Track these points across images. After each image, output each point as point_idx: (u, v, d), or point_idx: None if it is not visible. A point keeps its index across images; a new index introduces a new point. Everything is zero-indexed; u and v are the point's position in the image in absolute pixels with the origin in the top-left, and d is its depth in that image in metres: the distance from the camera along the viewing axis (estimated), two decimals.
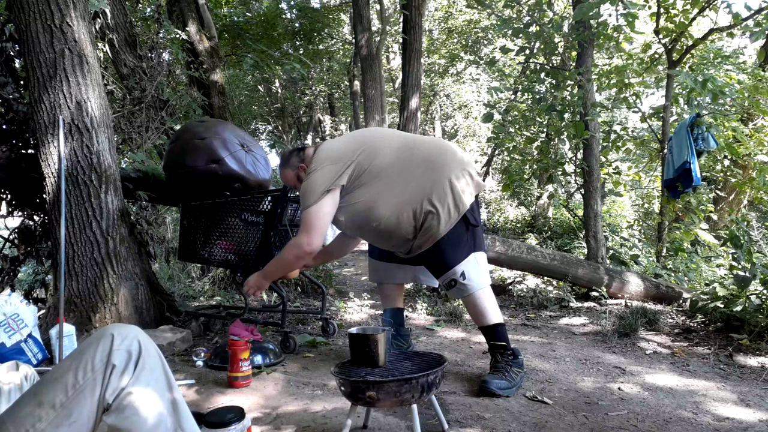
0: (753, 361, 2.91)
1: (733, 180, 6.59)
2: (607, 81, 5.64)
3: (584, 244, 5.55)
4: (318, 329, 3.66)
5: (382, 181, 2.42)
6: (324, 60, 13.91)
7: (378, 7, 12.02)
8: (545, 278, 5.06)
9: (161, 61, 5.23)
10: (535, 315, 4.18)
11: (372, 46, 9.08)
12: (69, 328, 2.75)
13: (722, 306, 3.50)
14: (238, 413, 1.61)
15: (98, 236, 3.14)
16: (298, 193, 3.12)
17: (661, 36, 5.46)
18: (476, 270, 2.46)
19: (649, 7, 5.45)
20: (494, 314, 2.49)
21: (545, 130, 6.03)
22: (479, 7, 6.54)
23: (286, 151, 2.82)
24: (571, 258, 4.63)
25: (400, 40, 9.64)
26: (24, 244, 3.81)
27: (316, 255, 2.84)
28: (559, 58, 5.60)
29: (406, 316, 3.91)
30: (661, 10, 5.37)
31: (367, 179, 2.42)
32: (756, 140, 6.19)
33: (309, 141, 17.23)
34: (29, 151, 3.62)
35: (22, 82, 3.71)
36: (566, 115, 5.19)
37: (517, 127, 6.11)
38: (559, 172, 6.02)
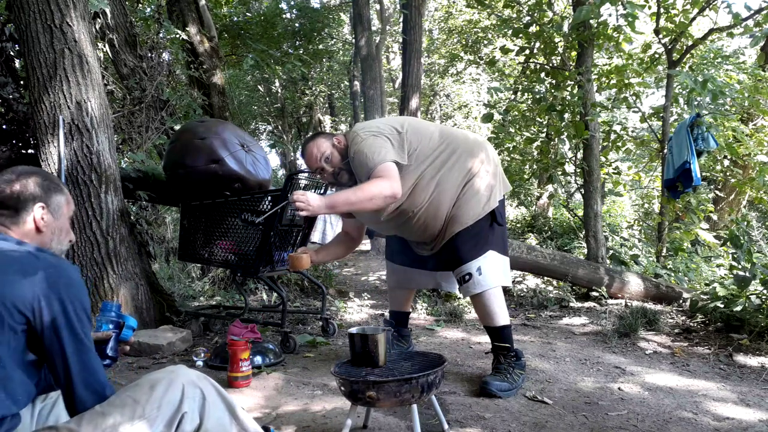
0: (753, 361, 2.91)
1: (733, 180, 6.59)
2: (607, 81, 5.63)
3: (584, 244, 5.54)
4: (318, 329, 3.66)
5: (427, 166, 2.42)
6: (324, 60, 13.90)
7: (378, 7, 12.01)
8: (545, 278, 5.06)
9: (161, 61, 5.23)
10: (535, 315, 4.18)
11: (372, 46, 9.07)
12: None
13: (722, 306, 3.50)
14: None
15: (98, 236, 3.14)
16: (303, 182, 3.07)
17: (661, 36, 5.45)
18: (492, 267, 2.46)
19: (649, 7, 5.44)
20: (502, 316, 2.48)
21: (545, 130, 6.03)
22: (479, 7, 6.54)
23: (311, 134, 2.73)
24: (571, 258, 4.63)
25: (400, 40, 9.63)
26: None
27: (318, 251, 2.81)
28: (559, 58, 5.60)
29: None
30: (661, 10, 5.36)
31: (413, 162, 2.40)
32: (756, 140, 6.19)
33: None
34: (29, 151, 3.62)
35: (22, 82, 3.71)
36: (566, 115, 5.19)
37: (517, 127, 6.10)
38: (559, 172, 6.02)
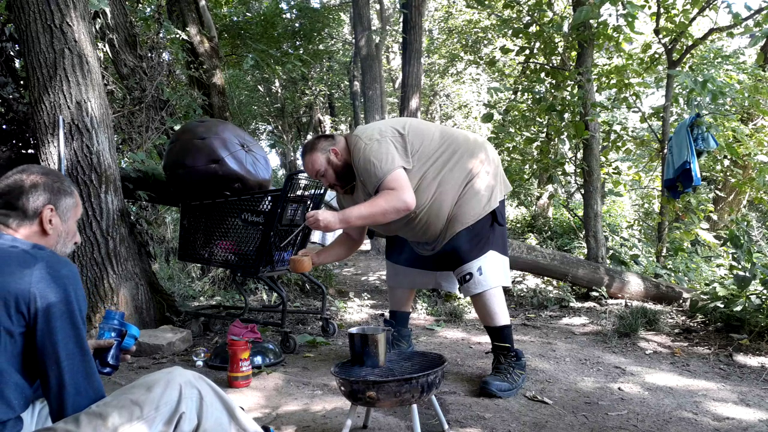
0: (753, 361, 2.91)
1: (733, 180, 6.58)
2: (607, 81, 5.63)
3: (584, 244, 5.55)
4: (318, 329, 3.67)
5: (429, 167, 2.42)
6: (324, 60, 13.91)
7: (378, 7, 12.02)
8: (545, 278, 5.06)
9: (161, 61, 5.22)
10: (535, 315, 4.18)
11: (372, 46, 9.08)
12: None
13: (722, 306, 3.50)
14: None
15: (98, 236, 3.14)
16: (303, 181, 3.08)
17: (661, 36, 5.45)
18: (492, 267, 2.47)
19: (649, 7, 5.44)
20: (503, 316, 2.49)
21: (545, 130, 6.03)
22: (479, 7, 6.54)
23: (311, 138, 2.75)
24: (571, 258, 4.63)
25: (400, 40, 9.63)
26: None
27: (319, 253, 2.81)
28: (559, 58, 5.60)
29: None
30: (661, 10, 5.36)
31: (416, 163, 2.41)
32: (756, 140, 6.18)
33: None
34: (29, 151, 3.62)
35: (22, 82, 3.71)
36: (566, 115, 5.19)
37: (517, 127, 6.11)
38: (559, 172, 6.02)
